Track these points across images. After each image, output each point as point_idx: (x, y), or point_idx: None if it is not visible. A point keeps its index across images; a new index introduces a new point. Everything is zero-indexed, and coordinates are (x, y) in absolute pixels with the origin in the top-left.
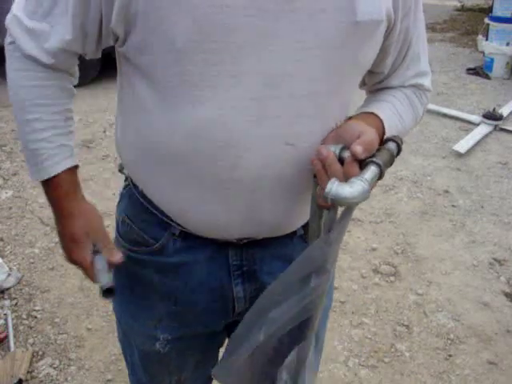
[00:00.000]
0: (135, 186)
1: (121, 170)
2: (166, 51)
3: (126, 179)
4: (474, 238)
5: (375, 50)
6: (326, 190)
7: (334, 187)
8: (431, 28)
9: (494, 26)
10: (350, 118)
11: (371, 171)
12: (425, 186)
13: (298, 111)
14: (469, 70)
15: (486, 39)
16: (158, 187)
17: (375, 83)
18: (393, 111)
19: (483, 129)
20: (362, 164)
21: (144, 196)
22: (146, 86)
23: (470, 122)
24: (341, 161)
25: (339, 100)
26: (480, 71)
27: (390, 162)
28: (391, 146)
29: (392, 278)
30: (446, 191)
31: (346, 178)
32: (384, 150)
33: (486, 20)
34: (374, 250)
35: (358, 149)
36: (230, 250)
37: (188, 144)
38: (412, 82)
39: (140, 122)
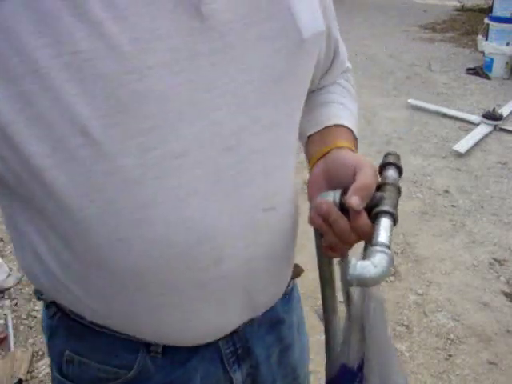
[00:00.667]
0: (72, 313)
1: (40, 297)
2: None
3: (48, 306)
4: (473, 238)
5: (314, 64)
6: (349, 277)
7: (357, 271)
8: (431, 28)
9: (493, 26)
10: (323, 142)
11: (385, 228)
12: (424, 186)
13: (264, 167)
14: (469, 70)
15: (486, 39)
16: (120, 311)
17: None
18: (345, 110)
19: (483, 129)
20: (372, 213)
21: (92, 322)
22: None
23: (469, 122)
24: (341, 206)
25: (296, 131)
26: (480, 71)
27: (399, 196)
28: (392, 174)
29: (392, 278)
30: (446, 191)
31: (355, 235)
32: (388, 187)
33: (486, 20)
34: None
35: (355, 200)
36: (219, 341)
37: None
38: (341, 70)
39: (69, 234)
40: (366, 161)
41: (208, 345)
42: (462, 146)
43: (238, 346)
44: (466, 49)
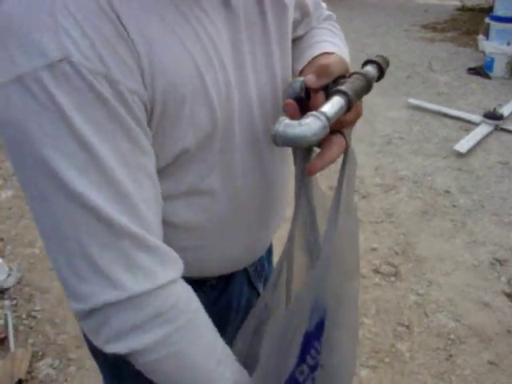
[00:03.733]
0: None
1: None
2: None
3: None
4: (474, 237)
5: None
6: (272, 132)
7: (281, 127)
8: (432, 28)
9: (494, 25)
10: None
11: (333, 103)
12: (425, 185)
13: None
14: (469, 69)
15: (487, 39)
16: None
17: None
18: (332, 46)
19: (484, 128)
20: (329, 94)
21: None
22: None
23: (470, 122)
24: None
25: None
26: (481, 71)
27: (366, 88)
28: (368, 69)
29: (392, 278)
30: (447, 191)
31: None
32: (357, 75)
33: (487, 20)
34: (374, 250)
35: (310, 78)
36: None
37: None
38: (324, 15)
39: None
40: (335, 54)
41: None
42: (463, 145)
43: (256, 263)
44: (467, 48)
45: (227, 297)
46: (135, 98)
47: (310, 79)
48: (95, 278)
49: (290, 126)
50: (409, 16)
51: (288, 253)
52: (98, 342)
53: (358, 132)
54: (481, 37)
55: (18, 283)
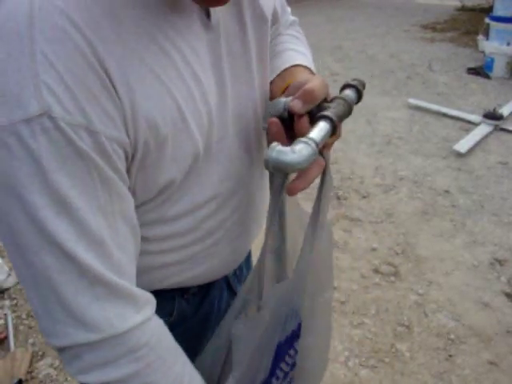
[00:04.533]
0: None
1: None
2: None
3: None
4: (474, 238)
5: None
6: (265, 158)
7: (274, 153)
8: (432, 28)
9: (494, 25)
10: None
11: (320, 128)
12: (425, 185)
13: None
14: (469, 69)
15: (487, 39)
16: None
17: None
18: (298, 54)
19: (484, 129)
20: (314, 119)
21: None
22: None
23: (470, 122)
24: (289, 112)
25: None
26: (480, 71)
27: (347, 112)
28: (348, 93)
29: (392, 278)
30: (447, 191)
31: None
32: (338, 100)
33: (487, 20)
34: (374, 250)
35: (295, 103)
36: None
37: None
38: (289, 21)
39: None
40: (319, 76)
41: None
42: (463, 145)
43: (236, 269)
44: (467, 48)
45: (208, 302)
46: (115, 145)
47: (296, 105)
48: (69, 321)
49: (282, 153)
50: (409, 16)
51: (261, 262)
52: (70, 372)
53: (358, 132)
54: (481, 37)
55: (18, 283)
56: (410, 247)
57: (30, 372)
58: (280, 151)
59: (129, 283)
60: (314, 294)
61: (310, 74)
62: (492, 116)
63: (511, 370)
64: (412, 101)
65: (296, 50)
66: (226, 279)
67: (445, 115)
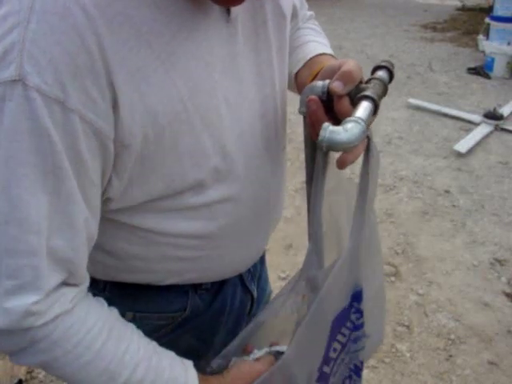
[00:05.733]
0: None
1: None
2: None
3: (94, 283)
4: (474, 238)
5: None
6: (320, 138)
7: (328, 133)
8: (432, 27)
9: (494, 25)
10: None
11: (364, 108)
12: (425, 185)
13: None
14: (469, 69)
15: (487, 39)
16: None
17: None
18: (320, 45)
19: (484, 128)
20: (354, 99)
21: (148, 284)
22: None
23: (470, 122)
24: (328, 94)
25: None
26: (481, 71)
27: (384, 92)
28: (381, 74)
29: (393, 278)
30: (447, 191)
31: (338, 118)
32: (375, 81)
33: (487, 20)
34: None
35: (337, 85)
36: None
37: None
38: (307, 15)
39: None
40: (351, 59)
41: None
42: (463, 145)
43: (250, 267)
44: (467, 48)
45: (221, 299)
46: (88, 129)
47: (338, 86)
48: None
49: (335, 132)
50: (409, 16)
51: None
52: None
53: None
54: (481, 37)
55: None
56: (410, 247)
57: (30, 372)
58: (333, 131)
59: (45, 279)
60: (369, 262)
61: (342, 60)
62: (492, 116)
63: (511, 370)
64: (412, 101)
65: (318, 42)
66: (239, 276)
67: (445, 115)
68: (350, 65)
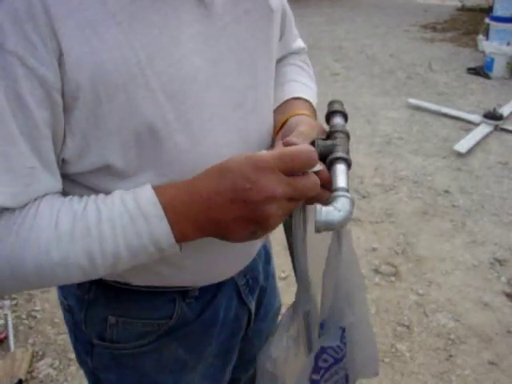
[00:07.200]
0: (117, 283)
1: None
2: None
3: (80, 284)
4: (474, 238)
5: (278, 32)
6: (317, 224)
7: (323, 217)
8: (432, 28)
9: (494, 25)
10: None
11: (341, 172)
12: (425, 185)
13: (263, 116)
14: (469, 69)
15: (487, 39)
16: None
17: None
18: (300, 85)
19: (484, 128)
20: (327, 161)
21: (127, 284)
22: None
23: (470, 122)
24: None
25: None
26: (480, 71)
27: (348, 141)
28: (339, 121)
29: (392, 278)
30: (447, 191)
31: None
32: (339, 134)
33: (487, 20)
34: (374, 250)
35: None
36: (235, 277)
37: None
38: (294, 47)
39: None
40: (307, 118)
41: (227, 281)
42: (463, 145)
43: (248, 277)
44: (467, 48)
45: (213, 310)
46: (30, 74)
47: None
48: None
49: (330, 214)
50: (409, 16)
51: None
52: None
53: (358, 132)
54: (481, 37)
55: None
56: (410, 247)
57: (30, 372)
58: (327, 212)
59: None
60: (352, 301)
61: (303, 118)
62: (492, 116)
63: (511, 370)
64: (412, 101)
65: (298, 81)
66: (235, 288)
67: (445, 115)
68: (305, 126)
